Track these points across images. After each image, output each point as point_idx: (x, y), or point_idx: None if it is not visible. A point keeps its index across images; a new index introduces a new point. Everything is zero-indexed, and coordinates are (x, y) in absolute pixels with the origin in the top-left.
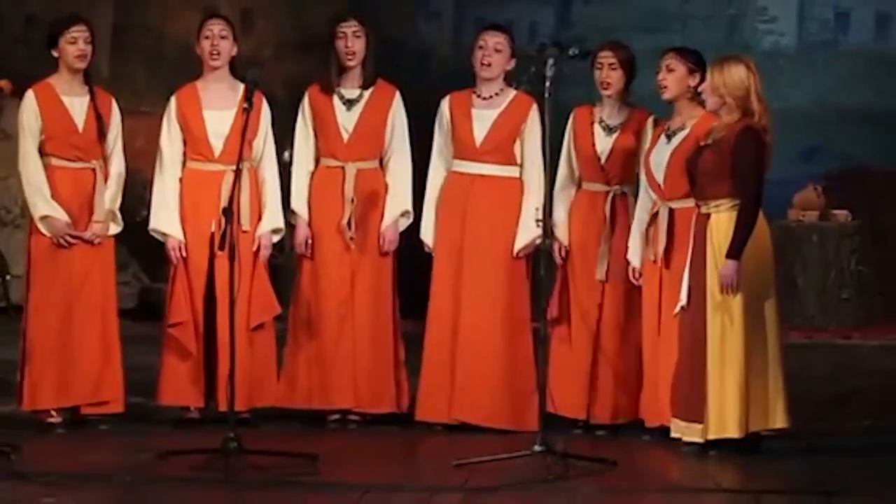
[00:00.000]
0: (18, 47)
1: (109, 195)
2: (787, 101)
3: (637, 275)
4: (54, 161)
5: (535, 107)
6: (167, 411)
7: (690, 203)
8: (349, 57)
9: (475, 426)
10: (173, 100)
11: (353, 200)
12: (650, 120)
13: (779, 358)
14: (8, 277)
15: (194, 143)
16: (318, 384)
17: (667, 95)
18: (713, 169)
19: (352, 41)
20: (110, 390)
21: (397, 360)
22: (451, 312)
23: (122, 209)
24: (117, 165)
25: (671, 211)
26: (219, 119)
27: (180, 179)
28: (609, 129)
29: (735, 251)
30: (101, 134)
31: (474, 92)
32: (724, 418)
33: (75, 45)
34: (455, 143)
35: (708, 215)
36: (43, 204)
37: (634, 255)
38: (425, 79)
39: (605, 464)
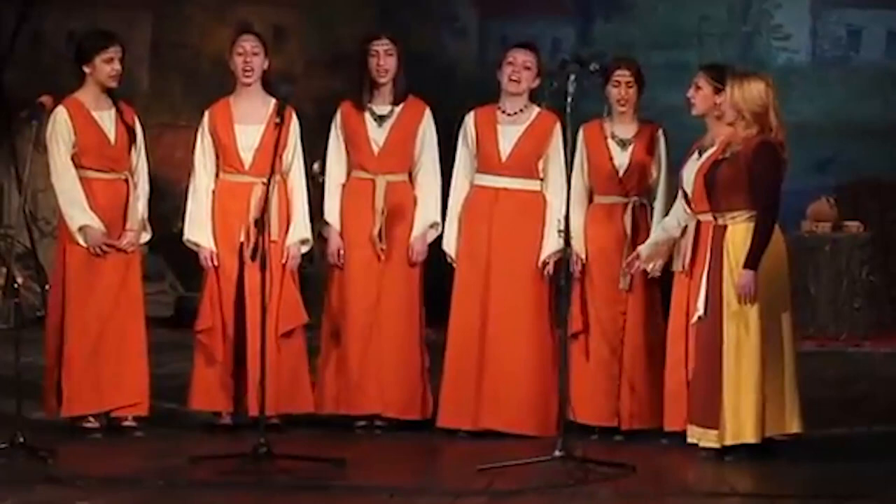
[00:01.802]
0: (61, 63)
1: (140, 204)
2: (800, 115)
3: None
4: (89, 173)
5: (558, 124)
6: (200, 417)
7: None
8: (381, 74)
9: (495, 432)
10: (207, 114)
11: (383, 212)
12: (660, 131)
13: (793, 365)
14: (47, 287)
15: (226, 156)
16: (345, 391)
17: (694, 112)
18: (730, 181)
19: (384, 59)
20: (137, 393)
21: (422, 368)
22: (477, 321)
23: (160, 219)
24: (143, 176)
25: (697, 223)
26: (249, 133)
27: (213, 191)
28: (623, 144)
29: (752, 262)
30: (132, 145)
31: (499, 107)
32: (741, 424)
33: (111, 64)
34: (480, 158)
35: (725, 227)
36: (80, 214)
37: (677, 264)
38: (451, 94)
39: (624, 469)
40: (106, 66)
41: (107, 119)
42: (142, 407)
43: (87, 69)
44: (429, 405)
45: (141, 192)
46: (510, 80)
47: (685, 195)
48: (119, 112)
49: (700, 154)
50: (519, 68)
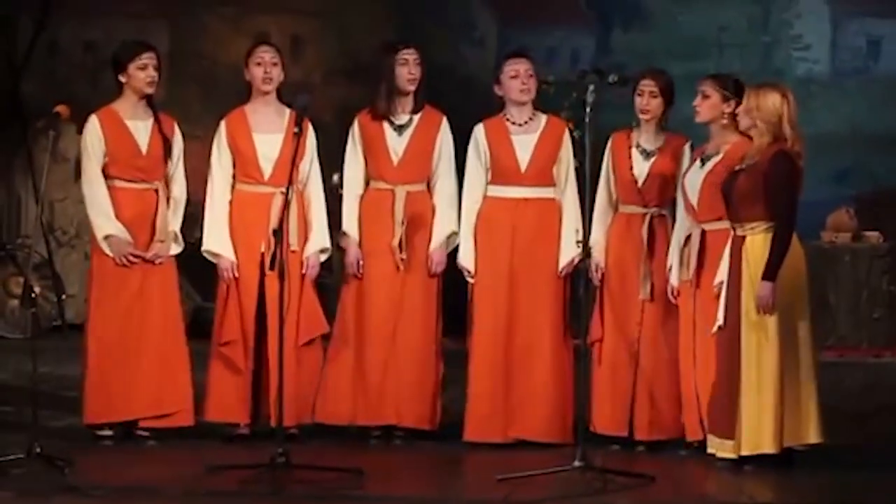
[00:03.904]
0: (78, 73)
1: (172, 216)
2: (820, 126)
3: (675, 294)
4: (118, 183)
5: (567, 130)
6: (218, 427)
7: (722, 225)
8: (411, 83)
9: (515, 442)
10: (223, 124)
11: (403, 222)
12: (687, 145)
13: (813, 375)
14: (63, 297)
15: (244, 166)
16: (363, 401)
17: (699, 119)
18: (748, 192)
19: (414, 68)
20: (177, 403)
21: (437, 379)
22: (503, 333)
23: None
24: (179, 187)
25: (703, 233)
26: (268, 143)
27: (230, 202)
28: (646, 154)
29: (771, 273)
30: (166, 156)
31: (507, 118)
32: (760, 434)
33: (146, 70)
34: (496, 170)
35: (743, 237)
36: (106, 223)
37: (674, 275)
38: (469, 105)
39: (643, 479)
40: (140, 72)
41: (141, 129)
42: (184, 417)
43: (122, 78)
44: (439, 414)
45: (174, 203)
46: (521, 91)
47: (689, 204)
48: (157, 122)
49: (703, 163)
50: (525, 77)
